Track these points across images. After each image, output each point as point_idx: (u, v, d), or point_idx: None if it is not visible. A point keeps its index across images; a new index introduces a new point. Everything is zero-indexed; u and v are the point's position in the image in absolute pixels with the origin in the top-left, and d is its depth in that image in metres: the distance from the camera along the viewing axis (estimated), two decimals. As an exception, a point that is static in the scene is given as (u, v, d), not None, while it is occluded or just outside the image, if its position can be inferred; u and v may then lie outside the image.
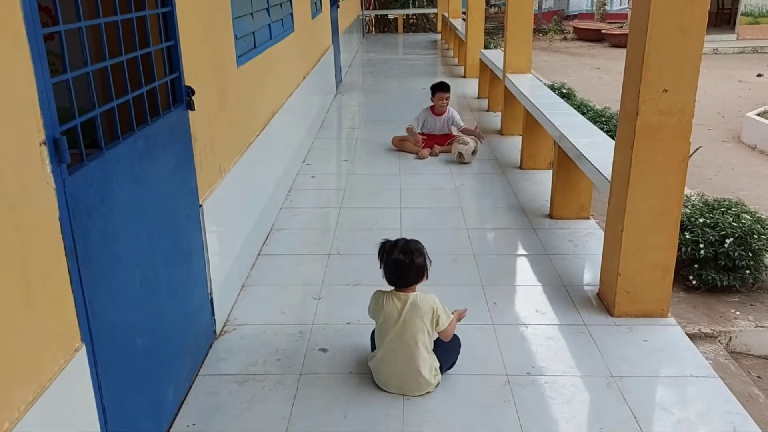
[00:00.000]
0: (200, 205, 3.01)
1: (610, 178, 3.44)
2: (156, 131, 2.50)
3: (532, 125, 5.70)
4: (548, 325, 3.31)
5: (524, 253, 4.19)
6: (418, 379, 2.71)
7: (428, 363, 2.72)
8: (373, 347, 2.89)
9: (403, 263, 2.70)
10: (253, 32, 4.39)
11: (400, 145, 6.49)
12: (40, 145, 1.69)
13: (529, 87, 6.17)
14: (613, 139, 4.45)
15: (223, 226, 3.38)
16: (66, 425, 1.79)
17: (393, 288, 2.80)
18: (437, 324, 2.75)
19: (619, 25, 20.29)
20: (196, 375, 2.92)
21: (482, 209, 5.00)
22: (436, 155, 6.24)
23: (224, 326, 3.33)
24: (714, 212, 4.32)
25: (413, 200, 5.14)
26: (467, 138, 6.12)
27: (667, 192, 3.14)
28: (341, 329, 3.28)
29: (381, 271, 2.80)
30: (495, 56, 8.18)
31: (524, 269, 3.97)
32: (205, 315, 3.10)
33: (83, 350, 1.88)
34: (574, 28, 20.52)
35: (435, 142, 6.40)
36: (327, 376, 2.90)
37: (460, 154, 6.01)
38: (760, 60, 14.98)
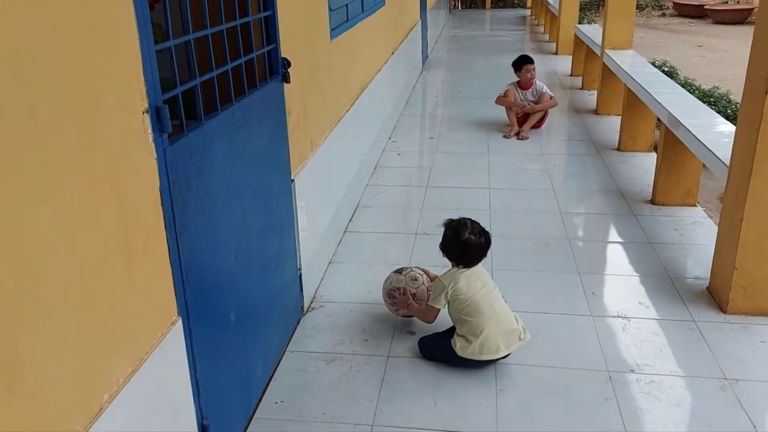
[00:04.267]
0: (292, 180, 2.96)
1: (728, 163, 3.15)
2: (253, 103, 2.45)
3: (633, 104, 5.36)
4: (652, 319, 3.08)
5: (624, 240, 3.94)
6: (519, 327, 2.72)
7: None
8: (436, 350, 2.78)
9: (483, 244, 2.72)
10: (347, 5, 4.30)
11: (502, 102, 6.26)
12: (143, 113, 1.65)
13: (631, 64, 5.81)
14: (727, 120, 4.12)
15: (312, 202, 3.33)
16: (161, 398, 1.77)
17: (459, 267, 2.76)
18: None
19: (724, 0, 18.99)
20: (284, 351, 2.89)
21: (576, 192, 4.76)
22: (526, 138, 5.96)
23: (311, 303, 3.29)
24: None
25: (502, 180, 4.95)
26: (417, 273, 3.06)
27: (797, 180, 2.84)
28: (430, 312, 3.17)
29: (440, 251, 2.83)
30: (592, 32, 7.77)
31: (624, 258, 3.72)
32: (293, 291, 3.06)
33: (179, 324, 1.85)
34: (673, 3, 19.36)
35: (527, 117, 6.14)
36: (415, 361, 2.81)
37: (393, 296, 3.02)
38: None
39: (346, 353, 2.87)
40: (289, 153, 2.92)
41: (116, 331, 1.56)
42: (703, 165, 4.25)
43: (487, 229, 2.78)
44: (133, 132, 1.61)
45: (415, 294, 2.93)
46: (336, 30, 3.92)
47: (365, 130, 4.90)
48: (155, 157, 1.71)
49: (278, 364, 2.80)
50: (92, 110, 1.45)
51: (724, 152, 3.32)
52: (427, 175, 5.11)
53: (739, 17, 17.13)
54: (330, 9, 3.76)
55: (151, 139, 1.69)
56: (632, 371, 2.70)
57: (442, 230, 4.08)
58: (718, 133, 3.73)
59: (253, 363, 2.53)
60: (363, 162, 4.77)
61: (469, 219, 2.78)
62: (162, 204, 1.76)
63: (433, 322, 2.83)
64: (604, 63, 6.47)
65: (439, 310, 2.77)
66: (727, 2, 18.82)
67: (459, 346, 2.67)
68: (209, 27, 2.08)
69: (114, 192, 1.54)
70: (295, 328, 3.07)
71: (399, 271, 3.06)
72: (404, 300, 2.92)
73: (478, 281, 2.71)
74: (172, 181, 1.80)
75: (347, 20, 4.32)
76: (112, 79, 1.52)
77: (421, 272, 3.05)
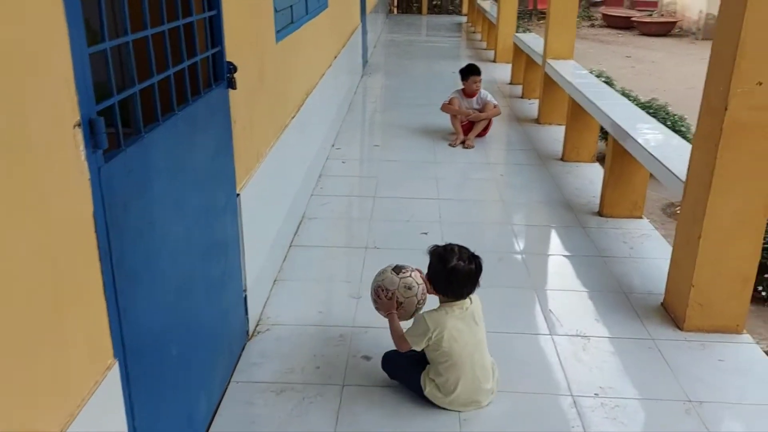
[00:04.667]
0: (238, 194, 2.73)
1: (683, 178, 3.12)
2: (196, 112, 2.21)
3: (577, 115, 5.36)
4: (611, 338, 3.02)
5: (575, 253, 3.89)
6: (493, 384, 2.51)
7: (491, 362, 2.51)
8: (400, 375, 2.60)
9: (473, 272, 2.42)
10: (291, 6, 4.08)
11: (448, 110, 6.15)
12: (74, 127, 1.41)
13: (575, 75, 5.82)
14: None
15: (258, 216, 3.11)
16: (95, 457, 1.53)
17: (446, 301, 2.50)
18: None
19: (649, 12, 19.72)
20: (229, 381, 2.65)
21: (525, 203, 4.69)
22: (471, 147, 5.88)
23: (257, 326, 3.06)
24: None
25: (451, 191, 4.84)
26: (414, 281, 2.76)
27: (754, 196, 2.83)
28: (385, 334, 2.97)
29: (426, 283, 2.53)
30: (531, 41, 7.81)
31: (578, 272, 3.66)
32: (238, 314, 2.83)
33: (116, 368, 1.61)
34: (603, 14, 19.96)
35: (471, 126, 6.06)
36: (373, 389, 2.63)
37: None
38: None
39: (297, 383, 2.65)
40: (235, 165, 2.69)
41: (42, 385, 1.31)
42: (650, 175, 4.27)
43: (477, 253, 2.51)
44: (62, 149, 1.37)
45: (402, 303, 2.62)
46: (281, 32, 3.70)
47: (310, 138, 4.69)
48: (88, 177, 1.47)
49: (223, 397, 2.56)
50: (13, 124, 1.20)
51: (678, 167, 3.30)
52: (374, 184, 4.94)
53: (663, 29, 17.81)
54: (275, 10, 3.54)
55: (83, 157, 1.45)
56: (596, 395, 2.61)
57: (393, 244, 3.96)
58: (669, 147, 3.73)
59: (197, 398, 2.29)
60: (308, 171, 4.56)
61: (457, 244, 2.50)
62: (96, 231, 1.51)
63: (404, 351, 2.57)
64: (545, 72, 6.48)
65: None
66: (651, 15, 19.55)
67: (428, 390, 2.48)
68: (149, 27, 1.85)
69: (39, 218, 1.30)
70: (241, 355, 2.83)
71: (396, 271, 2.68)
72: (388, 305, 2.61)
73: (466, 329, 2.42)
74: (108, 204, 1.56)
75: (292, 22, 4.11)
76: (38, 87, 1.28)
77: (420, 281, 2.67)
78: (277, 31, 3.59)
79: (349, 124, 6.71)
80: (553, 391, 2.63)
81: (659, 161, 3.44)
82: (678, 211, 5.43)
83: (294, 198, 4.03)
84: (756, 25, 2.59)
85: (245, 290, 2.87)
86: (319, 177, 5.06)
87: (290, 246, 3.89)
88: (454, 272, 2.39)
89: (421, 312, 2.56)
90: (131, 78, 1.75)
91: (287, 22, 3.96)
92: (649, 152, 3.61)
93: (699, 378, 2.73)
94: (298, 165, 4.20)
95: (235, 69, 2.56)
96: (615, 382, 2.69)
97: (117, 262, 1.62)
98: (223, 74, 2.52)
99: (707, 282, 2.97)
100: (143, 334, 1.79)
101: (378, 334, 2.99)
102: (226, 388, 2.61)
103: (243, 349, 2.88)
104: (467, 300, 2.48)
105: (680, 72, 12.43)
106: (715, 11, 17.20)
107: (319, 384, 2.65)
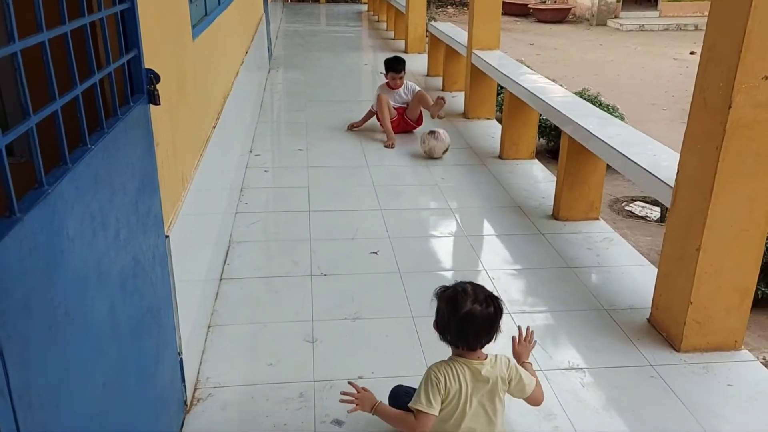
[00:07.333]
0: (166, 236, 2.15)
1: (671, 184, 2.83)
2: (115, 140, 1.63)
3: (515, 109, 5.06)
4: (608, 367, 2.68)
5: (542, 266, 3.54)
6: None
7: None
8: None
9: (492, 316, 1.90)
10: (204, -5, 3.47)
11: (382, 113, 5.65)
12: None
13: (507, 66, 5.51)
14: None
15: (189, 256, 2.53)
16: None
17: (455, 352, 2.02)
18: (517, 389, 2.03)
19: (543, 0, 20.09)
20: (172, 478, 2.08)
21: (475, 209, 4.32)
22: (442, 117, 5.76)
23: (195, 391, 2.48)
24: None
25: (392, 199, 4.38)
26: (443, 133, 5.14)
27: (757, 201, 2.57)
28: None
29: (436, 332, 2.02)
30: (451, 30, 7.47)
31: (550, 288, 3.31)
32: (175, 384, 2.25)
33: None
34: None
35: (402, 120, 5.68)
36: (355, 467, 2.15)
37: (431, 149, 5.14)
38: (686, 37, 15.10)
39: (260, 469, 2.13)
40: (161, 200, 2.10)
41: None
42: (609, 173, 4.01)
43: (495, 293, 1.97)
44: None
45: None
46: (197, 27, 3.09)
47: (231, 147, 4.09)
48: (-37, 282, 0.89)
49: (167, 503, 1.99)
50: None
51: (660, 170, 3.02)
52: (305, 196, 4.39)
53: (558, 16, 18.17)
54: (189, 1, 2.93)
55: (-48, 252, 0.87)
56: (615, 446, 2.26)
57: (342, 268, 3.45)
58: (637, 145, 3.45)
59: None
60: (230, 185, 3.96)
61: (469, 282, 1.98)
62: (-18, 361, 0.94)
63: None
64: (472, 64, 6.15)
65: (433, 417, 1.92)
66: (545, 2, 19.92)
67: None
68: (45, 29, 1.25)
69: None
70: (181, 436, 2.26)
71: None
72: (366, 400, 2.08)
73: (466, 384, 1.91)
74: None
75: (206, 14, 3.50)
76: None
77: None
78: (193, 26, 2.98)
79: (264, 126, 6.10)
80: (564, 445, 2.25)
81: (640, 165, 3.12)
82: (626, 207, 5.28)
83: (221, 220, 3.44)
84: (764, 13, 2.30)
85: (180, 353, 2.30)
86: (242, 190, 4.45)
87: (221, 279, 3.30)
88: (469, 319, 1.89)
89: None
90: (23, 106, 1.16)
91: (201, 15, 3.35)
92: (622, 153, 3.29)
93: (711, 410, 2.44)
94: (222, 181, 3.61)
95: (157, 79, 1.97)
96: (629, 427, 2.35)
97: (20, 393, 1.05)
98: (141, 86, 1.92)
99: (706, 298, 2.69)
100: (64, 480, 1.22)
101: (345, 388, 2.50)
102: (170, 489, 2.04)
103: (182, 426, 2.30)
104: (487, 358, 1.97)
105: (584, 59, 12.60)
106: (606, -2, 17.60)
107: (288, 468, 2.13)
